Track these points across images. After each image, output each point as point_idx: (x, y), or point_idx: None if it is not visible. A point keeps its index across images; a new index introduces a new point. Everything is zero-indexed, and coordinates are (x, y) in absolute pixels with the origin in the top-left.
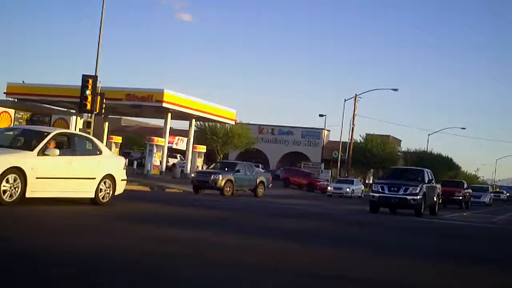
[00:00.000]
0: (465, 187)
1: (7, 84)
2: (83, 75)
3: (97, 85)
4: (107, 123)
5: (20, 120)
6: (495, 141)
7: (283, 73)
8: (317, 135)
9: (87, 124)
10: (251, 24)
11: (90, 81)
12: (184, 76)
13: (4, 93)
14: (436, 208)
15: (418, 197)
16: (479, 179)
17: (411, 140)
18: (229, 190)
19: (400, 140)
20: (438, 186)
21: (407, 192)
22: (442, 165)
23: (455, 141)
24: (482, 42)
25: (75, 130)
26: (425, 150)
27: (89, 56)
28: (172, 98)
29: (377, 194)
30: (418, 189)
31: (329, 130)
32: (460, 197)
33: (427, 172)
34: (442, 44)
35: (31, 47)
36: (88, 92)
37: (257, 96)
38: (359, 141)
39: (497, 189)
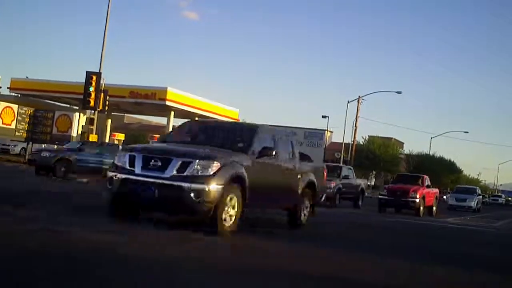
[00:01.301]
0: (426, 184)
1: (11, 79)
2: (87, 71)
3: (101, 82)
4: (110, 120)
5: (23, 116)
6: (498, 145)
7: (286, 73)
8: (319, 136)
9: (90, 121)
10: (256, 24)
11: (94, 77)
12: (187, 74)
13: (8, 88)
14: (303, 214)
15: (214, 187)
16: (481, 183)
17: (414, 143)
18: (64, 172)
19: (403, 143)
20: (319, 166)
21: (186, 172)
22: (444, 169)
23: (458, 145)
24: (487, 43)
25: (78, 126)
26: (428, 153)
27: (93, 52)
28: (176, 96)
29: (121, 176)
30: (216, 165)
31: (331, 132)
32: (416, 200)
33: (266, 136)
34: (445, 47)
35: (35, 43)
36: (91, 88)
37: (260, 96)
38: (361, 143)
39: (499, 193)
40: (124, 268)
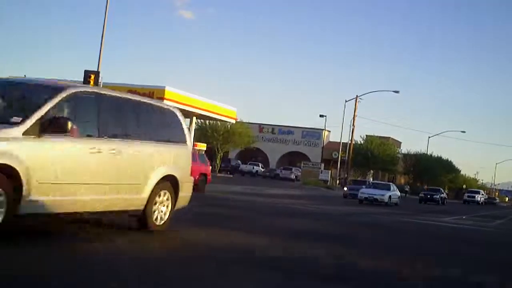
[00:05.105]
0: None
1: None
2: (85, 70)
3: (99, 81)
4: None
5: None
6: (495, 145)
7: (284, 72)
8: (317, 135)
9: None
10: (253, 23)
11: (92, 77)
12: (185, 73)
13: None
14: None
15: None
16: (479, 183)
17: (411, 142)
18: None
19: (400, 142)
20: None
21: None
22: (442, 168)
23: (455, 144)
24: (485, 43)
25: None
26: (425, 152)
27: (91, 51)
28: (173, 95)
29: None
30: None
31: (329, 131)
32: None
33: None
34: (443, 46)
35: (33, 42)
36: None
37: (258, 95)
38: (359, 142)
39: (497, 192)
40: None
